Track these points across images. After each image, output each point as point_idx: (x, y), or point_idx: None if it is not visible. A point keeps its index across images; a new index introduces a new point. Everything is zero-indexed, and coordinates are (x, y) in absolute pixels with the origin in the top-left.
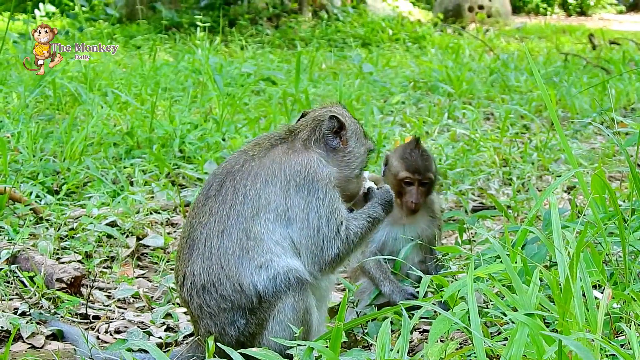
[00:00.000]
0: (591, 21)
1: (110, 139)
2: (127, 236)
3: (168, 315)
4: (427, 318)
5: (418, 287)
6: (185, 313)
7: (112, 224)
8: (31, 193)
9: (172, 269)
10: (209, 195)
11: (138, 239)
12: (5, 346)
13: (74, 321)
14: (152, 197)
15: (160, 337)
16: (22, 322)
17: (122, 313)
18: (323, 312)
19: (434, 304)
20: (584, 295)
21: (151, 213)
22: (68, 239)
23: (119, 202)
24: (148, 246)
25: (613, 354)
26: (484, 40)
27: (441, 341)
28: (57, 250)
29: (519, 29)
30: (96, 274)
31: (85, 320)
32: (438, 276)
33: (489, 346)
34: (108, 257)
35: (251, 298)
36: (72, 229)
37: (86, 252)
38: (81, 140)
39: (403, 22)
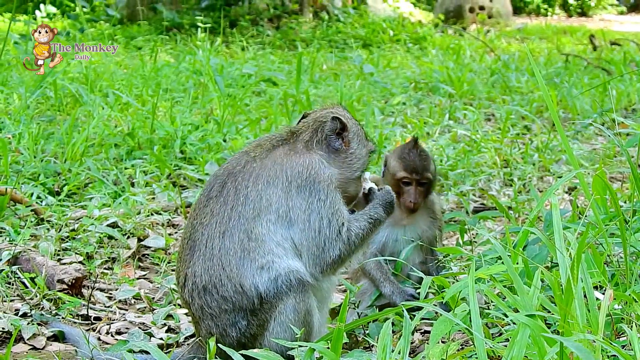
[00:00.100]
0: (592, 22)
1: (111, 140)
2: (128, 237)
3: (169, 316)
4: (428, 319)
5: (419, 288)
6: (186, 314)
7: (113, 225)
8: (32, 194)
9: (173, 270)
10: (211, 197)
11: (139, 240)
12: (6, 347)
13: (75, 322)
14: (153, 198)
15: (161, 338)
16: (23, 323)
17: (123, 314)
18: (324, 313)
19: (435, 305)
20: (585, 296)
21: (152, 214)
22: (69, 240)
23: (120, 203)
24: (149, 247)
25: (614, 355)
26: (485, 41)
27: (442, 342)
28: (58, 251)
29: (520, 30)
30: (97, 275)
31: (87, 322)
32: (439, 277)
33: (490, 347)
34: (109, 258)
35: (252, 299)
36: (73, 230)
37: (87, 253)
38: (82, 141)
39: (404, 23)
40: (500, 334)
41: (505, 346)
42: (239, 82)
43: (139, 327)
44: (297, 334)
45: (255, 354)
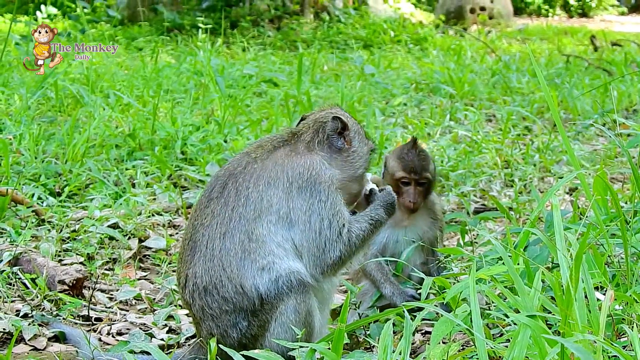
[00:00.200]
0: (593, 23)
1: (112, 140)
2: (129, 238)
3: (170, 317)
4: (429, 320)
5: (419, 289)
6: (187, 315)
7: (114, 226)
8: (33, 195)
9: (174, 271)
10: (211, 197)
11: (140, 240)
12: (7, 348)
13: (76, 323)
14: (154, 199)
15: (162, 339)
16: (24, 324)
17: (124, 315)
18: (325, 314)
19: (436, 306)
20: (586, 297)
21: (153, 215)
22: (70, 240)
23: (120, 204)
24: (150, 248)
25: (615, 356)
26: (486, 41)
27: (443, 343)
28: (59, 252)
29: (521, 31)
30: (98, 276)
31: (87, 322)
32: (440, 278)
33: (491, 348)
34: (110, 259)
35: (253, 300)
36: (74, 230)
37: (88, 254)
38: (83, 142)
39: (405, 23)
40: (501, 335)
41: (506, 347)
42: (239, 83)
43: (140, 328)
44: (298, 335)
45: (256, 354)
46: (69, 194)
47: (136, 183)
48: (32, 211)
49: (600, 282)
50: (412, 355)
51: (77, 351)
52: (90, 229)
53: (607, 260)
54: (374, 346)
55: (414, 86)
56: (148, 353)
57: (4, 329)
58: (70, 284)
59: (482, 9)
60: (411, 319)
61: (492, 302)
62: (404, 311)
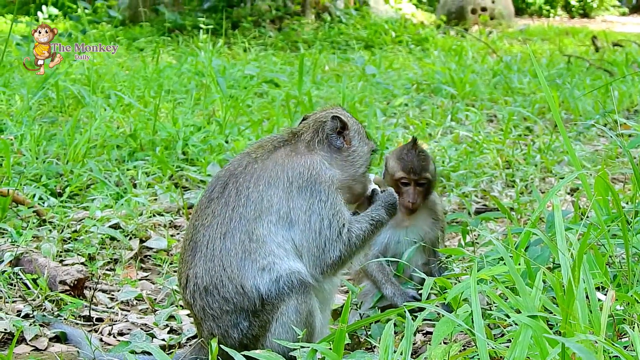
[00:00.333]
0: (594, 23)
1: (113, 141)
2: (130, 238)
3: (171, 317)
4: (430, 320)
5: (420, 289)
6: (188, 315)
7: (115, 226)
8: (34, 195)
9: (175, 271)
10: (212, 198)
11: (141, 241)
12: (8, 348)
13: (77, 323)
14: (155, 199)
15: (163, 339)
16: (26, 325)
17: (125, 315)
18: (326, 315)
19: (437, 306)
20: (587, 297)
21: (154, 215)
22: (71, 241)
23: (122, 204)
24: (151, 248)
25: (616, 356)
26: (487, 42)
27: (444, 343)
28: (60, 252)
29: (522, 31)
30: (99, 276)
31: (89, 323)
32: (441, 278)
33: (492, 348)
34: (111, 259)
35: (254, 300)
36: (75, 231)
37: (89, 254)
38: (84, 143)
39: (406, 24)
40: (502, 335)
41: (507, 347)
42: (241, 84)
43: (141, 328)
44: (299, 335)
45: (258, 354)
46: (70, 194)
47: (137, 183)
48: (34, 211)
49: (601, 283)
50: (414, 356)
51: (78, 351)
52: (92, 229)
53: (608, 260)
54: (375, 346)
55: (415, 87)
56: (149, 353)
57: (5, 329)
58: (72, 285)
59: (484, 9)
60: (412, 319)
61: (493, 303)
62: (405, 311)
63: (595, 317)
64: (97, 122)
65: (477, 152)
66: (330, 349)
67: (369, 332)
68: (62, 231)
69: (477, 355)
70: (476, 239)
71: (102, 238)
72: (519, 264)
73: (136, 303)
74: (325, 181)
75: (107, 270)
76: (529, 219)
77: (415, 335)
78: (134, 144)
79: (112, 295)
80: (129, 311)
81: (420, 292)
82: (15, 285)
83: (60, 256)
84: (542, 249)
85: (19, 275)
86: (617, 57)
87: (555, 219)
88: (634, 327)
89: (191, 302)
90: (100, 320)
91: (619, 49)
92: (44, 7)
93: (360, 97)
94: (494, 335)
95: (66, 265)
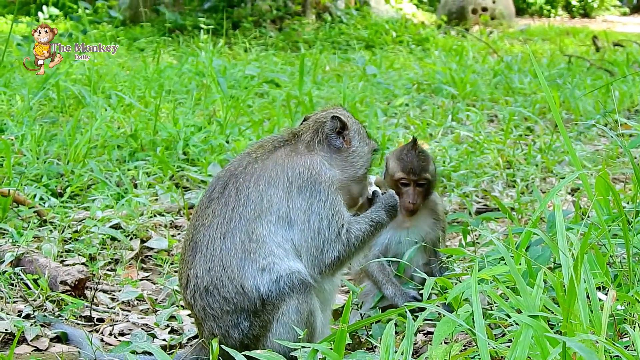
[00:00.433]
0: (595, 23)
1: (114, 141)
2: (131, 239)
3: (172, 317)
4: (431, 320)
5: (421, 290)
6: (189, 315)
7: (116, 227)
8: (35, 196)
9: (176, 272)
10: (212, 198)
11: (142, 241)
12: (9, 349)
13: (78, 324)
14: (156, 199)
15: (164, 340)
16: (26, 325)
17: (126, 315)
18: (327, 315)
19: (438, 306)
20: (588, 297)
21: (155, 215)
22: (72, 241)
23: (122, 204)
24: (152, 248)
25: (617, 356)
26: (488, 42)
27: (445, 343)
28: (61, 252)
29: (523, 31)
30: (100, 277)
31: (90, 323)
32: (442, 278)
33: (493, 348)
34: (112, 259)
35: (254, 301)
36: (76, 231)
37: (90, 254)
38: (85, 143)
39: (407, 24)
40: (503, 335)
41: (508, 347)
42: (241, 84)
43: (142, 329)
44: (300, 335)
45: (259, 354)
46: (70, 194)
47: (138, 184)
48: (34, 212)
49: (602, 282)
50: (414, 356)
51: (79, 352)
52: (92, 229)
53: (609, 260)
54: (376, 346)
55: (416, 87)
56: (150, 353)
57: (6, 330)
58: (73, 285)
59: (484, 9)
60: (413, 319)
61: (494, 302)
62: (406, 311)
63: (596, 317)
64: (98, 122)
65: (477, 152)
66: (331, 349)
67: (370, 332)
68: (63, 231)
69: (478, 355)
70: (477, 239)
71: (102, 238)
72: (520, 264)
73: (137, 303)
74: (325, 181)
75: (108, 270)
76: (529, 219)
77: (416, 335)
78: (135, 144)
79: (113, 295)
80: (129, 311)
81: (421, 292)
82: (16, 286)
83: (61, 256)
84: (543, 248)
85: (19, 275)
86: (617, 57)
87: (556, 219)
88: (634, 326)
89: (192, 302)
90: (101, 320)
91: (619, 49)
92: (44, 7)
93: (361, 97)
94: (495, 335)
95: (67, 265)
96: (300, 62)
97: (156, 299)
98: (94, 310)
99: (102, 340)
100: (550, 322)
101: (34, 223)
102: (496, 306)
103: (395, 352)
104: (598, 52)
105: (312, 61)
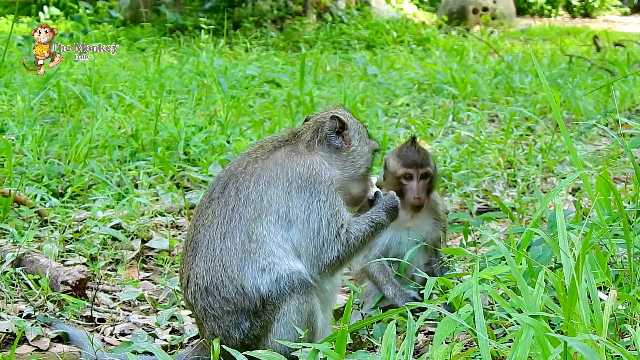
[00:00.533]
0: (595, 23)
1: (115, 141)
2: (132, 239)
3: (173, 317)
4: (432, 320)
5: (422, 290)
6: (190, 315)
7: (117, 227)
8: (36, 196)
9: (177, 272)
10: (213, 198)
11: (143, 241)
12: (10, 349)
13: (79, 324)
14: (157, 199)
15: (165, 340)
16: (27, 325)
17: (127, 315)
18: (328, 315)
19: (439, 306)
20: (589, 296)
21: (156, 216)
22: (73, 241)
23: (123, 204)
24: (153, 249)
25: (618, 356)
26: (489, 42)
27: (446, 343)
28: (62, 252)
29: (524, 31)
30: (101, 277)
31: (90, 323)
32: (443, 278)
33: (494, 348)
34: (113, 259)
35: (254, 301)
36: (77, 231)
37: (91, 254)
38: (86, 143)
39: (407, 24)
40: (504, 335)
41: (509, 347)
42: (242, 84)
43: (143, 329)
44: (301, 335)
45: (260, 355)
46: (71, 194)
47: (139, 184)
48: (35, 212)
49: (603, 282)
50: (415, 356)
51: (80, 352)
52: (93, 229)
53: (610, 260)
54: (377, 346)
55: (417, 87)
56: (151, 353)
57: (7, 330)
58: (73, 285)
59: (485, 9)
60: (414, 319)
61: (495, 302)
62: (407, 311)
63: (597, 316)
64: (99, 122)
65: (478, 152)
66: (332, 349)
67: (371, 332)
68: (64, 231)
69: (479, 355)
70: (478, 239)
71: (103, 238)
72: (521, 264)
73: (138, 303)
74: (324, 181)
75: (108, 270)
76: (530, 219)
77: (417, 335)
78: (136, 145)
79: (114, 295)
80: (130, 311)
81: (421, 292)
82: (17, 286)
83: (62, 256)
84: (543, 248)
85: (20, 275)
86: (618, 57)
87: (557, 219)
88: (635, 326)
89: (192, 302)
90: (102, 320)
91: (620, 49)
92: (45, 7)
93: (361, 97)
94: (496, 335)
95: (68, 265)
96: (301, 62)
97: (157, 299)
98: (94, 310)
99: (103, 340)
100: (551, 322)
101: (35, 223)
102: (497, 306)
103: (396, 352)
104: (599, 52)
105: (312, 61)
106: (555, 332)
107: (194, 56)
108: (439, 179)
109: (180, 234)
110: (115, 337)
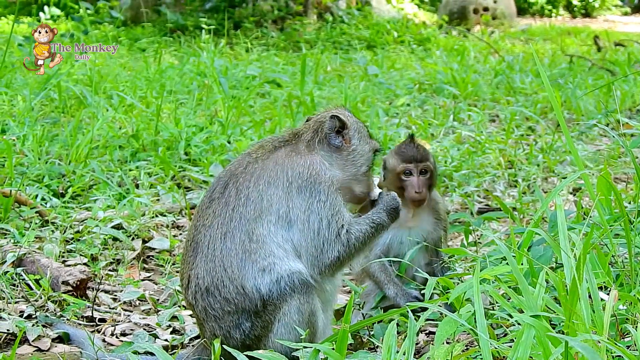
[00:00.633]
0: (596, 23)
1: (116, 141)
2: (133, 239)
3: (174, 317)
4: (433, 320)
5: (423, 289)
6: (191, 316)
7: (118, 227)
8: (37, 196)
9: (177, 272)
10: (213, 198)
11: (144, 241)
12: (11, 349)
13: (79, 324)
14: (158, 199)
15: (166, 340)
16: (28, 325)
17: (128, 316)
18: (329, 315)
19: (440, 306)
20: (590, 296)
21: (157, 216)
22: (74, 241)
23: (124, 204)
24: (154, 249)
25: (619, 356)
26: (489, 42)
27: (447, 343)
28: (63, 253)
29: (524, 31)
30: (102, 277)
31: (91, 323)
32: (444, 278)
33: (495, 348)
34: (114, 259)
35: (255, 301)
36: (77, 231)
37: (92, 254)
38: (86, 143)
39: (408, 24)
40: (505, 335)
41: (510, 347)
42: (243, 84)
43: (144, 329)
44: (301, 335)
45: (261, 355)
46: (72, 195)
47: (140, 184)
48: (36, 212)
49: (604, 282)
50: (416, 356)
51: (81, 352)
52: (94, 229)
53: (611, 260)
54: (378, 346)
55: (418, 87)
56: (152, 354)
57: (8, 330)
58: (74, 285)
59: (486, 9)
60: (415, 319)
61: (496, 302)
62: (408, 311)
63: (598, 316)
64: (100, 122)
65: (479, 152)
66: (333, 349)
67: (372, 332)
68: (65, 232)
69: (480, 355)
70: (479, 239)
71: (104, 238)
72: (522, 264)
73: (139, 303)
74: (324, 181)
75: (109, 270)
76: (531, 219)
77: (418, 335)
78: (137, 145)
79: (115, 295)
80: (131, 312)
81: (422, 292)
82: (17, 286)
83: (63, 257)
84: (544, 248)
85: (21, 276)
86: (619, 56)
87: (558, 219)
88: (636, 326)
89: (193, 302)
90: (102, 320)
91: (621, 49)
92: (45, 7)
93: (362, 97)
94: (497, 335)
95: (69, 265)
96: (302, 62)
97: (158, 299)
98: (95, 310)
99: (103, 340)
100: (552, 322)
101: (36, 223)
102: (498, 306)
103: (397, 352)
104: (599, 52)
105: (313, 61)
106: (556, 332)
107: (194, 56)
108: (440, 179)
109: (181, 234)
110: (116, 337)
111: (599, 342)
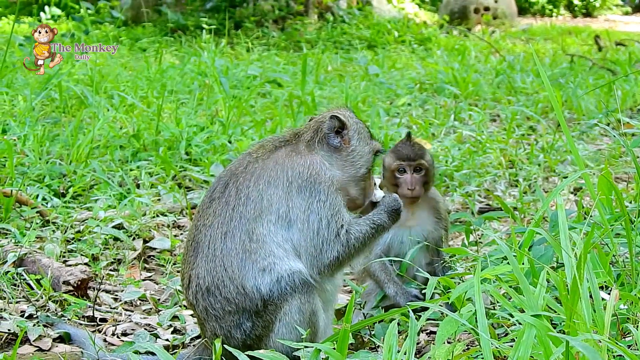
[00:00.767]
0: (597, 22)
1: (117, 141)
2: (134, 239)
3: (175, 317)
4: (434, 320)
5: (424, 289)
6: (191, 315)
7: (119, 227)
8: (37, 196)
9: (178, 272)
10: (214, 198)
11: (145, 241)
12: (12, 349)
13: (80, 324)
14: (159, 199)
15: (167, 340)
16: (29, 325)
17: (129, 315)
18: (329, 314)
19: (441, 306)
20: (591, 296)
21: (158, 215)
22: (75, 241)
23: (125, 204)
24: (155, 249)
25: (620, 355)
26: (490, 41)
27: (448, 342)
28: (64, 253)
29: (525, 31)
30: (103, 277)
31: (92, 323)
32: (445, 278)
33: (496, 347)
34: (115, 259)
35: (255, 301)
36: (78, 231)
37: (93, 254)
38: (87, 143)
39: (409, 24)
40: (506, 334)
41: (511, 346)
42: (244, 84)
43: (145, 329)
44: (302, 335)
45: (262, 354)
46: (73, 194)
47: (140, 184)
48: (37, 212)
49: (605, 282)
50: (417, 355)
51: (82, 352)
52: (95, 229)
53: (612, 259)
54: (378, 346)
55: (418, 86)
56: (153, 353)
57: (9, 330)
58: (75, 285)
59: (486, 9)
60: (416, 318)
61: (497, 302)
62: (409, 311)
63: (599, 316)
64: (100, 122)
65: (480, 152)
66: (334, 348)
67: (373, 332)
68: (66, 232)
69: (481, 354)
70: (479, 238)
71: (105, 238)
72: (523, 264)
73: (140, 303)
74: (324, 181)
75: (110, 270)
76: (532, 219)
77: (418, 334)
78: (137, 145)
79: (116, 295)
80: (132, 311)
81: (423, 291)
82: (18, 286)
83: (64, 257)
84: (545, 248)
85: (22, 275)
86: (620, 56)
87: (559, 218)
88: (637, 326)
89: (194, 302)
90: (103, 320)
91: (621, 48)
92: (46, 7)
93: (363, 97)
94: (498, 334)
95: (70, 265)
96: (303, 62)
97: (159, 299)
98: (96, 310)
99: (104, 340)
100: (553, 322)
101: (37, 223)
102: (499, 306)
103: (398, 351)
104: (600, 52)
105: (314, 61)
106: (557, 332)
107: (195, 56)
108: (441, 178)
109: (182, 234)
110: (117, 337)
111: (600, 342)
